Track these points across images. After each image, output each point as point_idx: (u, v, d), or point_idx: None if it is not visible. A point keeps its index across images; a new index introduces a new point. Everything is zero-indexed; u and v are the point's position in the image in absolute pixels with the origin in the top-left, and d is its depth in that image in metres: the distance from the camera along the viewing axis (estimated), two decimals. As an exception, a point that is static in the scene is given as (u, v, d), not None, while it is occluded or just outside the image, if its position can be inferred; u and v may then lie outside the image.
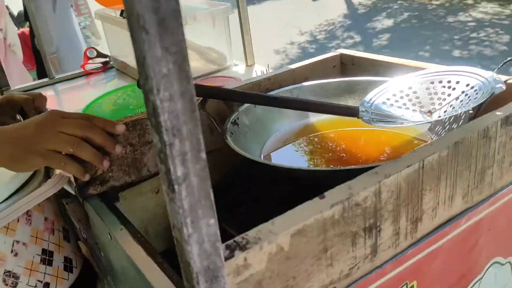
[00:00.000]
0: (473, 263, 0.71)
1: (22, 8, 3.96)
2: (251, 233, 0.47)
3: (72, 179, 0.86)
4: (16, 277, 0.86)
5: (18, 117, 1.26)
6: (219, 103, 0.87)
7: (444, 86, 0.78)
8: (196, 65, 1.40)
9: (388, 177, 0.54)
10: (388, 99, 0.80)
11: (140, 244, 0.68)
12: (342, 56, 1.06)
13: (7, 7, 4.04)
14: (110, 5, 1.46)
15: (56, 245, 0.93)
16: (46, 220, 0.92)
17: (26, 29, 3.67)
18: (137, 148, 0.84)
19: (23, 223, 0.86)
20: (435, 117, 0.72)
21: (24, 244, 0.87)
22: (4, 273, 0.85)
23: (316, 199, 0.51)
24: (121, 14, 1.30)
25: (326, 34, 6.56)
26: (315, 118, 0.92)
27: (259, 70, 1.35)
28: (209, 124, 0.91)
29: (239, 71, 1.37)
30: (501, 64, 0.73)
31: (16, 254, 0.85)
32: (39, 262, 0.89)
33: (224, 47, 1.39)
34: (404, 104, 0.79)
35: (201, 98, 0.81)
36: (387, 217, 0.56)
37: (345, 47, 5.99)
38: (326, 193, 0.52)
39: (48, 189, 0.86)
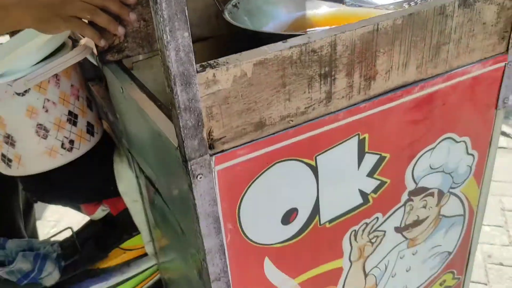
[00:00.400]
0: (424, 131, 0.82)
1: None
2: (221, 59, 0.60)
3: (94, 50, 1.00)
4: (46, 130, 1.03)
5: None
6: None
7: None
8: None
9: (343, 32, 0.65)
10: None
11: (145, 93, 0.82)
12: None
13: None
14: None
15: (81, 110, 1.08)
16: (72, 87, 1.07)
17: None
18: (149, 23, 0.97)
19: (53, 84, 1.02)
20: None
21: (53, 103, 1.02)
22: (37, 125, 1.02)
23: (280, 42, 0.63)
24: None
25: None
26: (310, 12, 1.02)
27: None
28: (217, 11, 1.03)
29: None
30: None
31: (47, 110, 1.01)
32: (65, 121, 1.05)
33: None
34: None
35: (206, -20, 0.92)
36: (342, 69, 0.67)
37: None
38: (288, 39, 0.63)
39: (73, 56, 1.00)
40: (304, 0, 0.96)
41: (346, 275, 0.90)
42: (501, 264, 1.78)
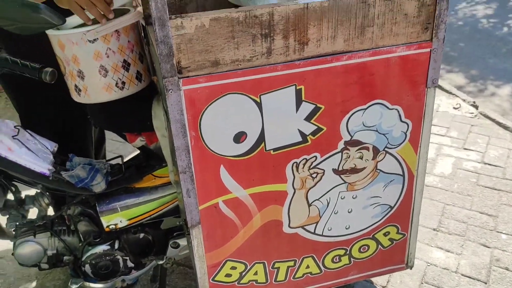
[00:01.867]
0: (355, 93, 1.08)
1: None
2: (189, 14, 0.93)
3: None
4: (106, 70, 1.42)
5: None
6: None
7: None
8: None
9: (279, 7, 0.95)
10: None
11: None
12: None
13: None
14: None
15: (133, 61, 1.47)
16: (129, 42, 1.46)
17: None
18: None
19: (114, 38, 1.41)
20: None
21: (113, 51, 1.42)
22: (100, 66, 1.42)
23: (232, 8, 0.94)
24: None
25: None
26: None
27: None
28: None
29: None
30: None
31: (108, 56, 1.41)
32: (121, 67, 1.44)
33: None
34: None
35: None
36: (279, 32, 0.97)
37: (478, 3, 5.74)
38: (240, 7, 0.95)
39: (129, 19, 1.39)
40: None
41: (291, 200, 1.18)
42: (507, 269, 1.86)
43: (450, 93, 3.10)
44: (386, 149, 1.17)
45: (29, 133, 1.51)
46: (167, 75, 0.94)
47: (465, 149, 2.56)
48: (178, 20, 0.91)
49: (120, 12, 1.50)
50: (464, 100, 2.99)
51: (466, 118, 2.84)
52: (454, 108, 2.94)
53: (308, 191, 1.18)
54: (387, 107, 1.12)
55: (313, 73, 1.03)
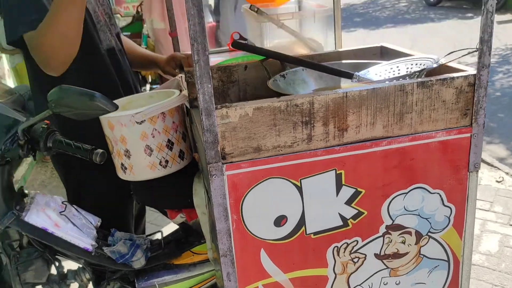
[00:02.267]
0: (396, 177, 1.08)
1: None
2: (234, 104, 0.98)
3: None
4: (151, 150, 1.49)
5: (177, 70, 1.96)
6: (280, 64, 1.37)
7: (416, 64, 1.16)
8: (300, 51, 1.91)
9: (319, 96, 0.99)
10: (377, 72, 1.20)
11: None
12: (382, 47, 1.46)
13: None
14: (254, 2, 2.08)
15: (177, 140, 1.54)
16: (173, 123, 1.53)
17: (212, 24, 4.61)
18: (225, 84, 1.40)
19: (160, 119, 1.49)
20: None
21: (158, 132, 1.49)
22: (145, 145, 1.49)
23: (274, 98, 0.99)
24: (250, 8, 1.91)
25: (499, 58, 6.34)
26: (330, 84, 1.35)
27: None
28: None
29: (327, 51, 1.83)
30: (448, 53, 1.09)
31: (153, 136, 1.48)
32: (165, 146, 1.51)
33: (321, 38, 1.86)
34: (387, 75, 1.19)
35: (264, 57, 1.34)
36: (319, 120, 1.00)
37: (517, 75, 5.74)
38: (282, 97, 0.99)
39: (174, 102, 1.47)
40: (328, 76, 1.31)
41: (332, 285, 1.16)
42: None
43: (492, 165, 3.03)
44: (429, 233, 1.15)
45: (75, 208, 1.56)
46: (211, 161, 0.98)
47: (511, 225, 2.46)
48: (224, 110, 0.96)
49: (166, 94, 1.59)
50: (507, 173, 2.91)
51: (510, 192, 2.75)
52: (497, 181, 2.86)
53: (349, 276, 1.15)
54: (429, 191, 1.11)
55: (353, 158, 1.05)
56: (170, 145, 1.53)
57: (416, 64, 1.16)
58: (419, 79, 1.03)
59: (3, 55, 4.12)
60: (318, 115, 1.00)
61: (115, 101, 1.59)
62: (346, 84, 1.28)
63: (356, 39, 7.54)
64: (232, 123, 0.97)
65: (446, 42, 7.20)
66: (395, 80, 1.12)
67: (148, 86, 4.30)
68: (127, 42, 1.99)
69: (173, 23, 2.29)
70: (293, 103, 0.98)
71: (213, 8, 5.66)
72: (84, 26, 1.54)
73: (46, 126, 1.34)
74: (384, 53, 1.46)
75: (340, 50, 1.46)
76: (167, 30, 3.61)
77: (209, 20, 4.23)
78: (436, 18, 8.68)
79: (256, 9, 1.85)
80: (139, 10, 4.11)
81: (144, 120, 1.45)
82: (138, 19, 4.08)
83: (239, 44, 1.34)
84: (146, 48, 3.99)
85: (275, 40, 1.96)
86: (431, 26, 8.35)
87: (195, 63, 0.91)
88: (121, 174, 1.55)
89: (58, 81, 1.50)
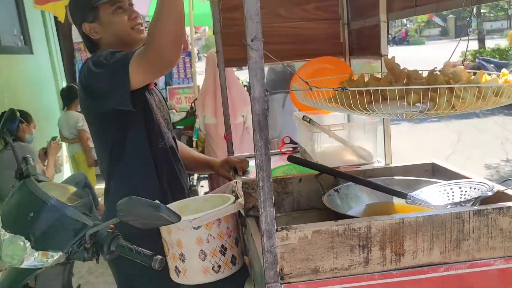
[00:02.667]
0: (455, 305, 1.07)
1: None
2: (293, 226, 1.03)
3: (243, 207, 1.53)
4: (205, 254, 1.54)
5: (232, 173, 2.05)
6: (333, 178, 1.43)
7: (470, 188, 1.19)
8: (350, 158, 1.98)
9: (376, 221, 1.02)
10: (431, 193, 1.24)
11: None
12: (433, 164, 1.50)
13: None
14: (303, 109, 2.20)
15: (230, 245, 1.59)
16: (228, 229, 1.59)
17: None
18: (280, 194, 1.47)
19: (215, 225, 1.55)
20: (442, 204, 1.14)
21: (213, 237, 1.55)
22: (200, 250, 1.54)
23: (333, 221, 1.04)
24: (303, 118, 2.03)
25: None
26: (383, 200, 1.38)
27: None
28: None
29: (379, 166, 1.88)
30: (502, 181, 1.11)
31: (208, 241, 1.54)
32: (218, 251, 1.56)
33: (371, 148, 1.93)
34: (441, 197, 1.22)
35: (318, 172, 1.40)
36: (376, 244, 1.03)
37: None
38: (340, 220, 1.04)
39: (230, 209, 1.54)
40: (381, 193, 1.35)
41: None
42: None
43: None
44: None
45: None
46: (270, 281, 1.01)
47: None
48: (284, 232, 1.01)
49: (221, 199, 1.67)
50: None
51: None
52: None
53: None
54: (490, 321, 1.08)
55: (410, 283, 1.05)
56: (223, 250, 1.57)
57: (471, 188, 1.19)
58: (475, 207, 1.05)
59: (64, 143, 4.44)
60: (375, 239, 1.03)
61: (173, 204, 1.68)
62: (399, 202, 1.32)
63: (400, 132, 7.60)
64: (292, 244, 1.02)
65: (493, 138, 7.14)
66: (450, 206, 1.14)
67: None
68: (182, 146, 2.14)
69: (229, 127, 2.45)
70: (351, 227, 1.02)
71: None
72: (150, 122, 1.70)
73: (111, 230, 1.43)
74: (436, 171, 1.50)
75: (391, 165, 1.51)
76: (217, 125, 3.84)
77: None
78: (482, 114, 8.69)
79: (308, 120, 1.97)
80: (193, 105, 4.39)
81: (201, 225, 1.51)
82: (191, 114, 4.35)
83: (295, 159, 1.42)
84: (197, 141, 4.20)
85: (324, 145, 2.04)
86: (477, 121, 8.36)
87: (259, 188, 0.98)
88: (174, 277, 1.59)
89: (124, 165, 1.64)
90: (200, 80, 6.22)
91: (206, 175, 3.97)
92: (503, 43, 14.28)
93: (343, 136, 1.98)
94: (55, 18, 5.03)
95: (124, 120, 1.64)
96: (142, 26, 1.76)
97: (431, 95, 1.04)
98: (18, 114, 1.70)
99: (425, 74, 1.26)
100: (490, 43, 15.49)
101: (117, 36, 1.69)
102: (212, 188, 3.95)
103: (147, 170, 1.75)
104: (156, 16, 1.46)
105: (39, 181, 1.51)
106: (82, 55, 6.77)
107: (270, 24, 2.26)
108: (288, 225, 1.03)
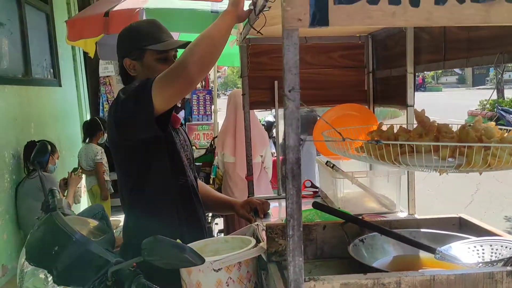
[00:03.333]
0: None
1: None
2: (321, 277, 1.01)
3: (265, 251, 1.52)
4: (224, 299, 1.52)
5: (252, 214, 2.05)
6: (357, 227, 1.42)
7: (502, 246, 1.17)
8: (372, 205, 1.96)
9: (406, 276, 1.01)
10: (460, 250, 1.22)
11: (283, 283, 1.26)
12: (461, 218, 1.48)
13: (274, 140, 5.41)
14: (326, 155, 2.21)
15: (248, 290, 1.56)
16: (248, 273, 1.57)
17: (281, 157, 4.83)
18: (303, 241, 1.45)
19: (236, 268, 1.54)
20: (473, 261, 1.12)
21: (233, 281, 1.53)
22: (219, 294, 1.52)
23: (361, 274, 1.02)
24: (326, 163, 2.02)
25: None
26: (409, 253, 1.36)
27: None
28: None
29: (401, 217, 1.86)
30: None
31: (228, 285, 1.52)
32: (237, 295, 1.53)
33: (394, 197, 1.91)
34: (471, 254, 1.19)
35: (344, 221, 1.39)
36: (405, 301, 1.01)
37: None
38: (368, 273, 1.02)
39: (252, 253, 1.53)
40: (408, 246, 1.33)
41: None
42: None
43: None
44: None
45: None
46: (295, 332, 0.99)
47: None
48: (312, 283, 1.00)
49: (241, 241, 1.67)
50: None
51: None
52: None
53: None
54: None
55: None
56: (242, 294, 1.55)
57: (502, 246, 1.17)
58: (509, 268, 1.03)
59: (84, 176, 4.50)
60: (404, 295, 1.01)
61: (193, 244, 1.67)
62: (426, 256, 1.29)
63: (417, 179, 7.50)
64: (319, 297, 1.00)
65: (510, 188, 7.02)
66: (481, 265, 1.12)
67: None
68: (202, 185, 2.15)
69: (251, 168, 2.46)
70: (380, 282, 1.01)
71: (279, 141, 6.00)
72: (173, 159, 1.72)
73: (133, 268, 1.42)
74: (463, 225, 1.48)
75: (418, 217, 1.49)
76: (236, 164, 3.86)
77: (273, 151, 4.45)
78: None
79: (332, 165, 1.97)
80: (213, 143, 4.43)
81: (221, 268, 1.49)
82: (210, 151, 4.38)
83: (321, 206, 1.42)
84: (214, 178, 4.21)
85: (346, 190, 2.04)
86: (496, 172, 8.21)
87: (289, 237, 0.98)
88: (191, 320, 1.56)
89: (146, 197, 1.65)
90: (219, 117, 6.34)
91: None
92: (524, 93, 14.31)
93: (365, 184, 1.97)
94: (84, 53, 5.21)
95: (148, 153, 1.67)
96: None
97: (465, 151, 1.05)
98: (49, 147, 1.73)
99: (454, 127, 1.26)
100: (508, 93, 15.50)
101: None
102: (227, 226, 3.92)
103: (166, 205, 1.76)
104: (200, 38, 1.50)
105: (64, 214, 1.52)
106: (106, 89, 6.96)
107: (297, 70, 2.30)
108: (316, 276, 1.01)
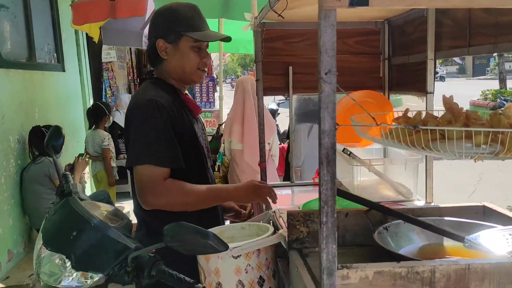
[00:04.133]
0: None
1: (287, 128, 5.12)
2: (354, 265, 0.99)
3: (286, 239, 1.50)
4: (243, 285, 1.50)
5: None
6: (381, 215, 1.40)
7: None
8: (388, 193, 1.94)
9: (441, 265, 0.99)
10: (489, 238, 1.20)
11: (310, 276, 1.24)
12: (484, 207, 1.46)
13: (277, 128, 5.38)
14: (341, 142, 2.19)
15: (268, 277, 1.55)
16: (267, 260, 1.55)
17: (285, 145, 4.81)
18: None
19: (255, 255, 1.52)
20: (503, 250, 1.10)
21: (252, 268, 1.51)
22: (238, 280, 1.50)
23: (394, 262, 1.00)
24: (343, 151, 1.99)
25: None
26: (436, 242, 1.34)
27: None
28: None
29: (419, 205, 1.84)
30: None
31: (247, 272, 1.50)
32: (256, 283, 1.52)
33: (411, 185, 1.89)
34: (500, 243, 1.17)
35: (368, 208, 1.37)
36: (439, 289, 0.99)
37: None
38: (402, 262, 1.00)
39: (272, 240, 1.51)
40: (432, 234, 1.31)
41: None
42: None
43: None
44: None
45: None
46: (327, 320, 0.97)
47: None
48: (345, 271, 0.98)
49: (258, 228, 1.65)
50: None
51: None
52: None
53: None
54: None
55: (473, 332, 1.00)
56: (261, 282, 1.53)
57: (532, 234, 1.15)
58: (544, 257, 1.01)
59: (90, 161, 4.47)
60: (439, 284, 0.99)
61: (210, 230, 1.65)
62: (453, 244, 1.27)
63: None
64: (352, 284, 0.98)
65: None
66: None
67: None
68: None
69: (264, 155, 2.44)
70: (414, 270, 0.99)
71: (281, 132, 5.97)
72: (196, 152, 1.71)
73: (152, 254, 1.40)
74: (487, 214, 1.46)
75: (441, 206, 1.47)
76: (243, 151, 3.83)
77: (278, 144, 4.42)
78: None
79: (349, 153, 1.95)
80: (219, 130, 4.40)
81: (240, 255, 1.48)
82: (217, 138, 4.35)
83: (345, 194, 1.39)
84: (220, 165, 4.19)
85: (362, 178, 2.01)
86: (499, 162, 8.20)
87: (323, 224, 0.95)
88: (210, 307, 1.54)
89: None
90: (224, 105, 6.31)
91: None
92: (525, 83, 14.29)
93: (382, 171, 1.95)
94: (88, 37, 5.15)
95: None
96: (206, 71, 1.78)
97: (500, 137, 1.02)
98: (63, 131, 1.69)
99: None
100: (510, 83, 15.47)
101: (182, 68, 1.70)
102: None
103: None
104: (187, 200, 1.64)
105: (80, 199, 1.50)
106: (109, 74, 6.90)
107: (312, 56, 2.27)
108: (348, 264, 0.99)
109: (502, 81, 15.22)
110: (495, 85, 17.09)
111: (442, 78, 30.61)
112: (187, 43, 1.66)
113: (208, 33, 1.69)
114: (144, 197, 1.59)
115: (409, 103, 1.67)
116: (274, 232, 1.57)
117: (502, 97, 11.21)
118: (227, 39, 1.70)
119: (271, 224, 1.77)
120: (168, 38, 1.66)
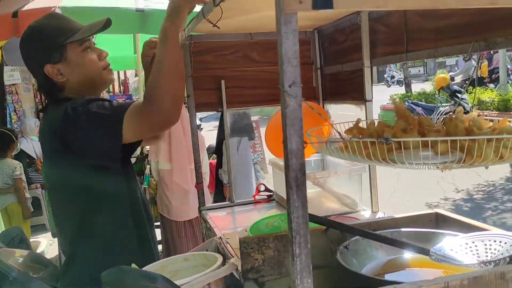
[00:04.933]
0: None
1: (214, 143, 4.97)
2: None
3: (239, 268, 1.36)
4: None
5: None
6: (338, 232, 1.32)
7: (495, 242, 1.12)
8: (333, 206, 1.88)
9: (421, 286, 0.91)
10: (453, 248, 1.15)
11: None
12: (437, 214, 1.44)
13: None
14: (279, 156, 2.10)
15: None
16: (217, 293, 1.41)
17: (213, 161, 4.67)
18: (281, 253, 1.32)
19: (205, 290, 1.37)
20: (475, 261, 1.06)
21: (202, 303, 1.36)
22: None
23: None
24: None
25: (484, 194, 6.55)
26: (399, 256, 1.29)
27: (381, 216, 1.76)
28: (329, 246, 1.35)
29: (365, 215, 1.80)
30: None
31: (198, 307, 1.35)
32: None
33: (356, 196, 1.86)
34: (465, 252, 1.14)
35: (326, 227, 1.28)
36: (420, 312, 0.91)
37: (504, 210, 5.88)
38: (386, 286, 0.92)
39: (224, 271, 1.37)
40: (395, 248, 1.25)
41: None
42: None
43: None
44: None
45: None
46: None
47: None
48: (322, 306, 0.87)
49: (205, 258, 1.50)
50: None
51: None
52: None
53: None
54: None
55: None
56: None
57: (495, 242, 1.12)
58: (517, 265, 0.98)
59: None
60: (419, 306, 0.92)
61: (149, 266, 1.48)
62: (417, 257, 1.22)
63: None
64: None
65: (429, 178, 7.44)
66: (483, 265, 1.07)
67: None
68: None
69: (200, 175, 2.29)
70: (395, 295, 0.90)
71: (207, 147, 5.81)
72: (128, 172, 1.53)
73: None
74: (441, 220, 1.43)
75: (396, 216, 1.43)
76: (172, 171, 3.63)
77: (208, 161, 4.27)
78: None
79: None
80: (143, 151, 4.14)
81: (190, 292, 1.33)
82: (141, 160, 4.10)
83: (317, 219, 1.28)
84: (147, 188, 3.95)
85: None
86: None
87: (296, 256, 0.84)
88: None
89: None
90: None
91: (158, 223, 3.68)
92: (427, 87, 15.37)
93: (326, 183, 1.89)
94: (-13, 58, 4.64)
95: (105, 173, 1.46)
96: (110, 67, 1.60)
97: (467, 145, 0.98)
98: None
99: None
100: (415, 87, 16.61)
101: (87, 77, 1.51)
102: (164, 237, 3.68)
103: (123, 223, 1.55)
104: (156, 69, 1.37)
105: (-10, 248, 1.26)
106: (13, 98, 6.33)
107: (243, 69, 2.17)
108: (325, 297, 0.89)
109: (408, 86, 16.29)
110: (401, 90, 18.31)
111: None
112: (75, 49, 1.48)
113: (86, 28, 1.51)
114: (158, 117, 1.36)
115: (343, 112, 1.63)
116: (224, 262, 1.43)
117: (409, 101, 11.96)
118: (108, 21, 1.50)
119: (217, 252, 1.63)
120: (53, 59, 1.47)
